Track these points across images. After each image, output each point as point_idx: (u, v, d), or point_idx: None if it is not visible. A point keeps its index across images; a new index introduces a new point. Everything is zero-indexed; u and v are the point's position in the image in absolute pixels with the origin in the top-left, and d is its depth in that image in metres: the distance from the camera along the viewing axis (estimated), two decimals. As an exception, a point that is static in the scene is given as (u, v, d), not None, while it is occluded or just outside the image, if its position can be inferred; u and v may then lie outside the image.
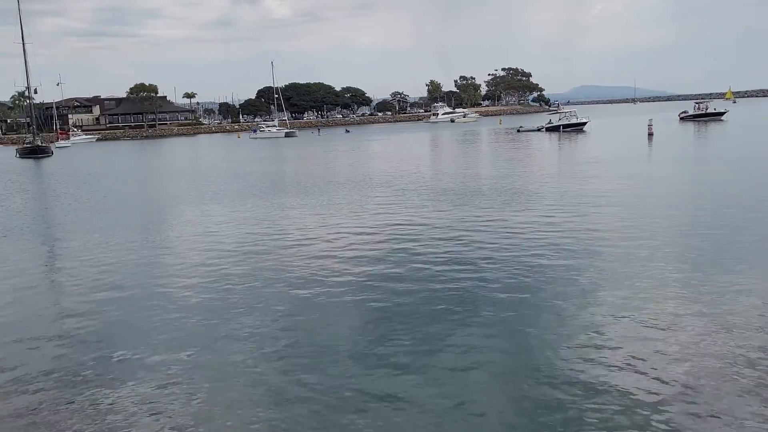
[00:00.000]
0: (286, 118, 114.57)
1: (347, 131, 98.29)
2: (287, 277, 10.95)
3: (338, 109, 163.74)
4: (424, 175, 27.81)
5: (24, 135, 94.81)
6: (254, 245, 13.84)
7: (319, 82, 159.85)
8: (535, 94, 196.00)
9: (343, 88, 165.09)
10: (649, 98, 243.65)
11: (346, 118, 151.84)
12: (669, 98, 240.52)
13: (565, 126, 58.63)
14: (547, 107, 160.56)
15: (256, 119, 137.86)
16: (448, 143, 57.17)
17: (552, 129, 59.67)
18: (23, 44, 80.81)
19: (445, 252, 12.14)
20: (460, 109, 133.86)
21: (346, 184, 25.51)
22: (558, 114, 65.67)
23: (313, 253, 12.73)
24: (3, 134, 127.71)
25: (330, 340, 7.86)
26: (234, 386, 6.63)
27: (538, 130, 61.60)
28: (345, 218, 16.92)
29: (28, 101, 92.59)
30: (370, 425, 5.72)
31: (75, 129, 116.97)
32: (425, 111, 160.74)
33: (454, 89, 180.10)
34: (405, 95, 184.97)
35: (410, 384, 6.48)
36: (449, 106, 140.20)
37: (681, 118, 67.69)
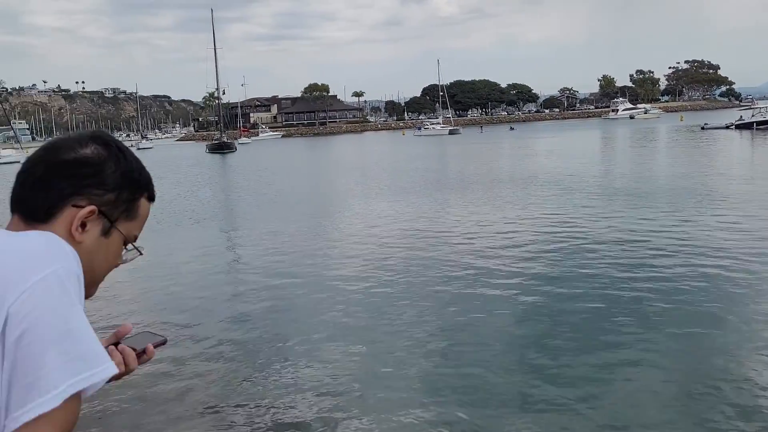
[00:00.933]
0: (450, 115, 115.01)
1: (512, 128, 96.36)
2: (448, 274, 10.85)
3: (503, 106, 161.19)
4: (594, 173, 26.36)
5: (213, 132, 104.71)
6: (417, 241, 13.94)
7: (483, 79, 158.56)
8: (723, 89, 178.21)
9: (508, 85, 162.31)
10: None
11: (511, 116, 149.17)
12: None
13: (759, 123, 52.55)
14: (738, 103, 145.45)
15: (420, 117, 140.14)
16: (621, 141, 53.83)
17: (743, 126, 53.80)
18: (215, 49, 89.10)
19: (615, 255, 11.33)
20: (642, 105, 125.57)
21: (510, 181, 24.93)
22: (751, 110, 59.13)
23: (474, 250, 12.52)
24: (196, 131, 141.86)
25: (491, 341, 7.62)
26: (392, 381, 6.63)
27: (726, 127, 55.93)
28: (508, 216, 16.49)
29: (216, 101, 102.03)
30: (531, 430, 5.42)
31: (263, 126, 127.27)
32: (596, 107, 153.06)
33: (629, 84, 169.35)
34: (574, 91, 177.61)
35: (573, 393, 6.06)
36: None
37: None
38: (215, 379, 6.82)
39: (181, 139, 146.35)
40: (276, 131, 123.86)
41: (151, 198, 1.26)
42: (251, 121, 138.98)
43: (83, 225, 1.12)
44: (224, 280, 11.52)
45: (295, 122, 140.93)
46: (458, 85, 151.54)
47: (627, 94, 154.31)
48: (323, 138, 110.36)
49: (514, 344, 7.49)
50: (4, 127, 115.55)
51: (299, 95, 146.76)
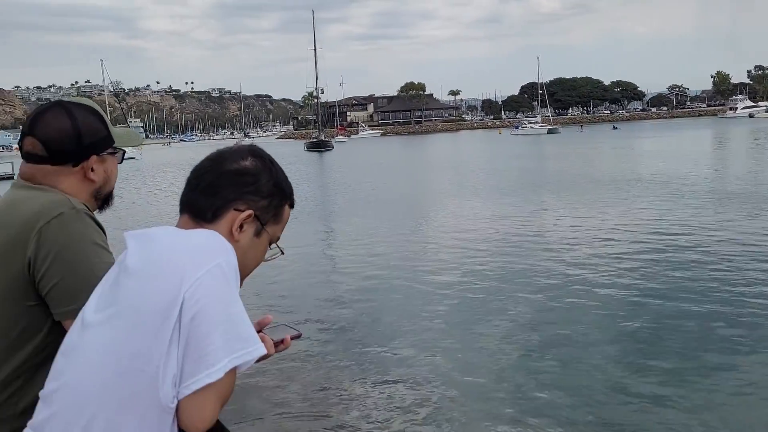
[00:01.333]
0: (549, 114, 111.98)
1: (614, 128, 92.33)
2: (543, 282, 10.40)
3: (606, 104, 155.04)
4: (706, 176, 24.74)
5: (311, 130, 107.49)
6: (511, 245, 13.56)
7: (585, 77, 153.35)
8: None
9: (612, 82, 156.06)
10: None
11: (614, 114, 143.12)
12: None
13: None
14: None
15: (518, 115, 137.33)
16: (739, 141, 50.28)
17: None
18: (314, 50, 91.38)
19: (731, 268, 10.49)
20: (763, 103, 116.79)
21: (611, 183, 23.83)
22: None
23: (573, 258, 12.01)
24: (295, 130, 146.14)
25: (587, 352, 7.24)
26: (487, 393, 6.43)
27: None
28: (608, 222, 15.74)
29: (315, 100, 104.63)
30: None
31: (363, 125, 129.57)
32: (708, 106, 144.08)
33: (746, 81, 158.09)
34: (684, 88, 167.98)
35: (679, 419, 5.62)
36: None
37: None
38: (301, 378, 6.84)
39: (280, 137, 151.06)
40: (375, 130, 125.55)
41: (292, 205, 1.44)
42: (348, 119, 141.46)
43: (241, 226, 1.31)
44: (316, 280, 11.63)
45: (390, 121, 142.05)
46: (558, 83, 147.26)
47: (745, 91, 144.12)
48: (418, 137, 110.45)
49: (614, 365, 6.99)
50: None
51: (395, 94, 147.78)
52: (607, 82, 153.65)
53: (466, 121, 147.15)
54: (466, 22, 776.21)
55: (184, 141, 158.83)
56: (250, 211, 1.32)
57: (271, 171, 1.37)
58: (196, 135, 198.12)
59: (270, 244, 1.41)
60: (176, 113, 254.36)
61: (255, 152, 1.38)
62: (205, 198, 1.30)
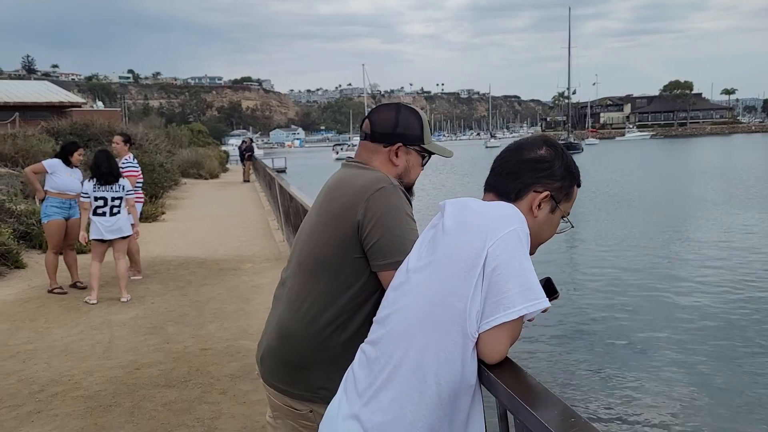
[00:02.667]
0: None
1: None
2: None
3: None
4: None
5: (560, 132, 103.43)
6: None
7: None
8: None
9: None
10: None
11: None
12: None
13: None
14: None
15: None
16: None
17: None
18: (569, 48, 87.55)
19: None
20: None
21: None
22: None
23: None
24: (543, 131, 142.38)
25: None
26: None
27: None
28: None
29: (566, 101, 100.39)
30: None
31: (630, 125, 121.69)
32: None
33: None
34: None
35: None
36: None
37: None
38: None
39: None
40: (643, 131, 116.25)
41: (579, 185, 1.65)
42: (601, 121, 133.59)
43: (539, 205, 1.56)
44: (566, 284, 10.87)
45: (649, 122, 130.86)
46: None
47: None
48: (681, 140, 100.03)
49: None
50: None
51: (656, 93, 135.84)
52: None
53: (741, 123, 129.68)
54: (746, 11, 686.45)
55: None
56: (546, 192, 1.56)
57: (563, 157, 1.60)
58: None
59: (561, 219, 1.63)
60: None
61: (549, 142, 1.63)
62: (509, 181, 1.57)
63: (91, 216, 6.77)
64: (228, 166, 39.94)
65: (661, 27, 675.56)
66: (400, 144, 2.02)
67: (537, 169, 1.57)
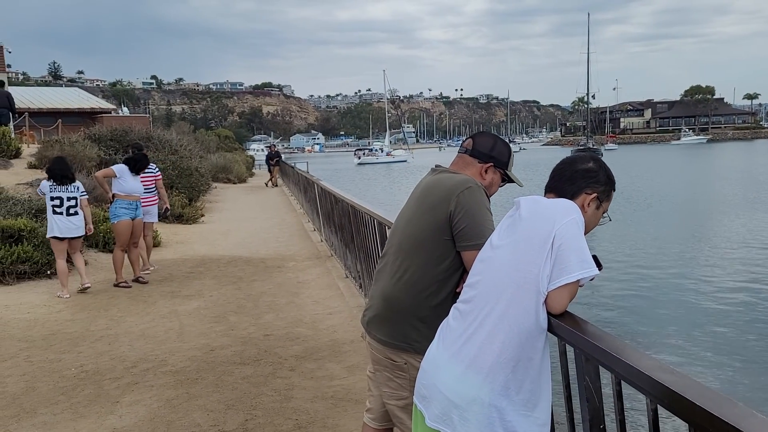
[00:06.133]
0: None
1: None
2: None
3: None
4: None
5: (579, 137, 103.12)
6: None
7: None
8: None
9: None
10: None
11: None
12: None
13: None
14: None
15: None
16: None
17: None
18: (588, 53, 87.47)
19: None
20: None
21: None
22: None
23: None
24: (562, 136, 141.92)
25: None
26: None
27: None
28: None
29: (585, 106, 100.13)
30: None
31: (686, 129, 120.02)
32: None
33: None
34: None
35: None
36: None
37: None
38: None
39: (546, 144, 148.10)
40: (699, 135, 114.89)
41: (614, 190, 2.17)
42: (621, 126, 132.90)
43: (588, 203, 2.07)
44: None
45: (670, 128, 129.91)
46: None
47: None
48: (701, 145, 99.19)
49: None
50: (396, 129, 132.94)
51: (677, 98, 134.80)
52: None
53: (764, 128, 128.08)
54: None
55: (451, 146, 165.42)
56: (595, 194, 2.09)
57: (605, 168, 2.15)
58: (463, 140, 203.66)
59: (602, 214, 2.14)
60: (445, 119, 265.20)
61: (594, 158, 2.17)
62: (566, 185, 2.10)
63: (49, 215, 7.34)
64: (254, 170, 40.75)
65: (682, 31, 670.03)
66: (492, 164, 2.58)
67: (587, 177, 2.09)
